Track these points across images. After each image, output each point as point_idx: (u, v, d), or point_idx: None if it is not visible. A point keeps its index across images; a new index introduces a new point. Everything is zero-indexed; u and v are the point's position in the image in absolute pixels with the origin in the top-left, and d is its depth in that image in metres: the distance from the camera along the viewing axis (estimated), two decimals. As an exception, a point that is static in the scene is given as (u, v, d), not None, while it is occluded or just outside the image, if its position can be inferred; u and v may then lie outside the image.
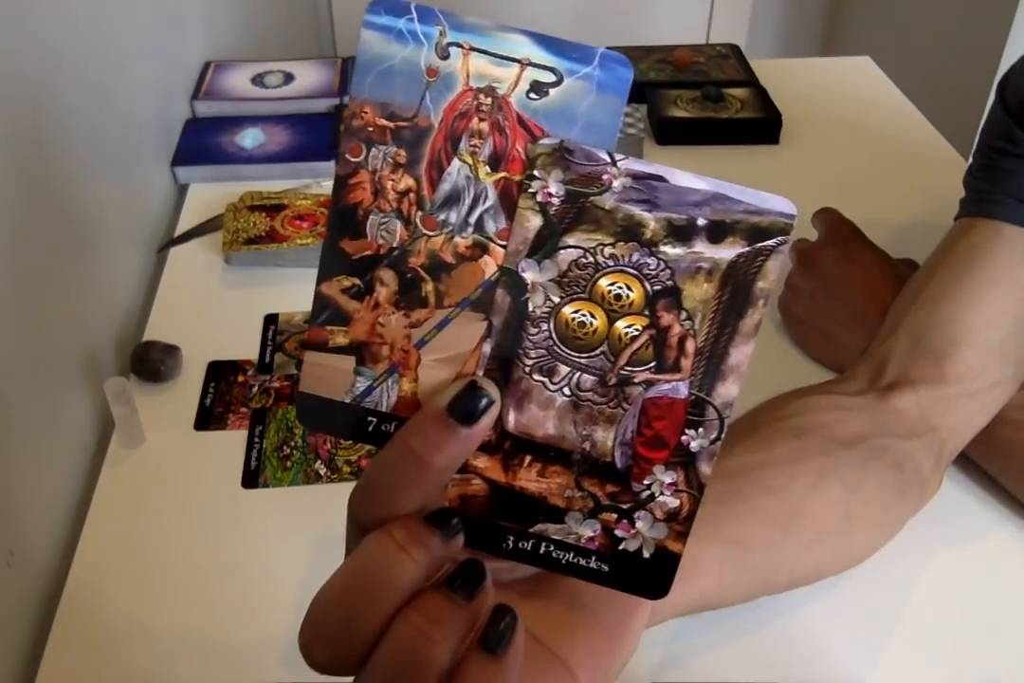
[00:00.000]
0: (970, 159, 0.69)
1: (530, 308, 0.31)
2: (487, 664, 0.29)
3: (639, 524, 0.32)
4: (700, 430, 0.31)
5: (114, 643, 0.60)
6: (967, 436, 0.63)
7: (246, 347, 0.82)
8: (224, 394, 0.78)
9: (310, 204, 0.95)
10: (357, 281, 0.32)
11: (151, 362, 0.78)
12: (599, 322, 0.31)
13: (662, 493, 0.32)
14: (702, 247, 0.30)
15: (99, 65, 0.85)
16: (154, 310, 0.86)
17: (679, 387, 0.31)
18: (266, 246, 0.90)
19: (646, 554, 0.32)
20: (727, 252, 0.30)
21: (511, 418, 0.32)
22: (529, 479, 0.32)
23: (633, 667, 0.58)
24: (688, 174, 0.30)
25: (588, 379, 0.31)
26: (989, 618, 0.61)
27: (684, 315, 0.31)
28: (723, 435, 0.31)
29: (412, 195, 0.31)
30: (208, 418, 0.76)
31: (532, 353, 0.31)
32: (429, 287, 0.32)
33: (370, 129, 0.31)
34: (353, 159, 0.31)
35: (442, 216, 0.31)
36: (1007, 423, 0.64)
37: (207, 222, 0.96)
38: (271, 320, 0.85)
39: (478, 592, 0.30)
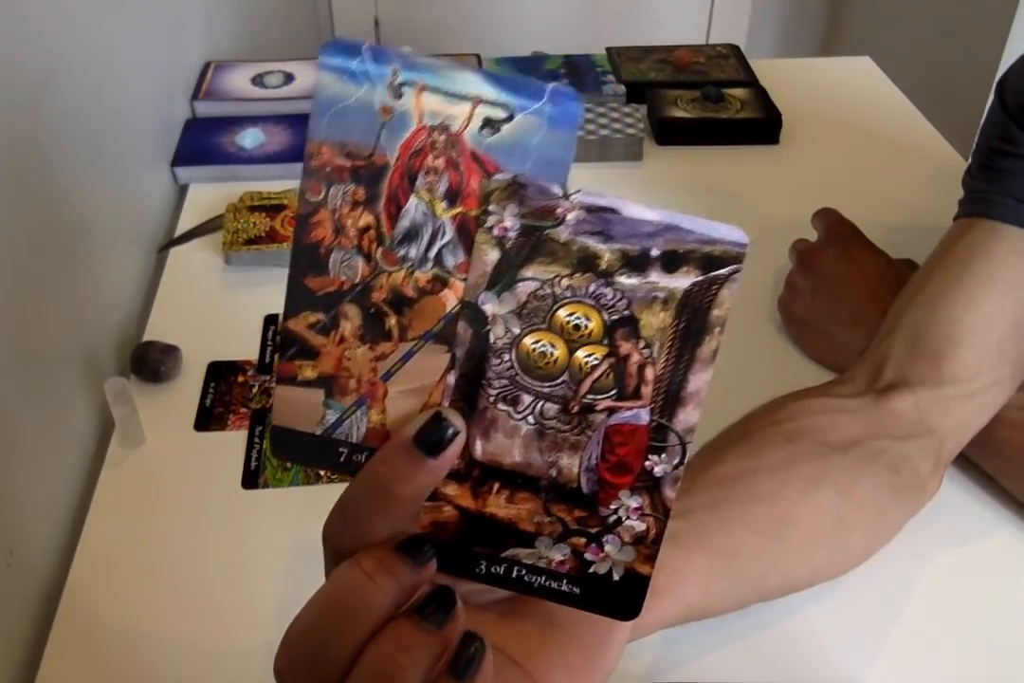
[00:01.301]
0: (969, 159, 0.69)
1: (491, 340, 0.32)
2: None
3: (607, 548, 0.33)
4: (663, 455, 0.32)
5: (114, 643, 0.60)
6: (966, 437, 0.63)
7: (246, 347, 0.82)
8: (224, 394, 0.78)
9: (310, 204, 0.95)
10: (322, 316, 0.33)
11: (151, 362, 0.78)
12: (559, 352, 0.32)
13: (628, 517, 0.33)
14: (657, 277, 0.31)
15: (99, 65, 0.85)
16: (154, 310, 0.86)
17: (640, 414, 0.32)
18: (266, 246, 0.90)
19: (615, 577, 0.33)
20: (682, 281, 0.31)
21: (478, 446, 0.32)
22: (499, 505, 0.33)
23: (630, 668, 0.58)
24: (640, 206, 0.31)
25: (551, 407, 0.32)
26: (989, 618, 0.61)
27: (642, 343, 0.31)
28: (685, 460, 0.32)
29: (372, 232, 0.32)
30: (208, 418, 0.76)
31: (496, 383, 0.32)
32: (392, 321, 0.32)
33: (328, 169, 0.31)
34: (313, 199, 0.32)
35: (402, 252, 0.32)
36: (1006, 423, 0.64)
37: (207, 222, 0.96)
38: (271, 320, 0.85)
39: (448, 620, 0.31)
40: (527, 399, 0.32)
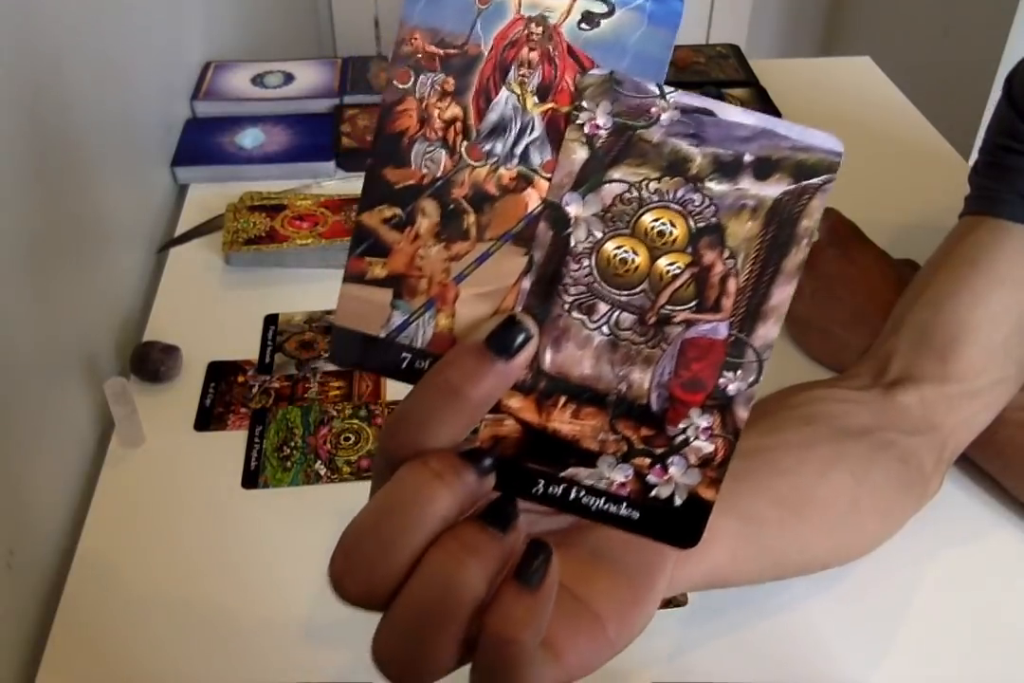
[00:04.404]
0: (972, 158, 0.69)
1: (572, 243, 0.30)
2: (522, 597, 0.29)
3: (672, 469, 0.32)
4: (738, 372, 0.31)
5: (114, 644, 0.60)
6: (969, 436, 0.62)
7: (246, 347, 0.82)
8: (224, 394, 0.78)
9: (310, 204, 0.95)
10: (399, 211, 0.31)
11: (151, 362, 0.77)
12: (641, 259, 0.30)
13: (697, 437, 0.31)
14: (748, 184, 0.30)
15: (99, 65, 0.85)
16: (154, 310, 0.86)
17: (719, 327, 0.31)
18: (266, 246, 0.90)
19: (678, 501, 0.32)
20: (772, 189, 0.30)
21: (547, 357, 0.31)
22: (563, 421, 0.32)
23: (632, 667, 0.58)
24: (737, 109, 0.30)
25: (627, 317, 0.31)
26: (989, 618, 0.61)
27: (727, 253, 0.30)
28: (761, 378, 0.31)
29: (458, 124, 0.31)
30: (208, 418, 0.76)
31: (572, 290, 0.31)
32: (471, 219, 0.31)
33: (419, 56, 0.30)
34: (401, 86, 0.31)
35: (487, 146, 0.31)
36: (1008, 423, 0.64)
37: (207, 222, 0.96)
38: (271, 320, 0.85)
39: (512, 526, 0.30)
40: (603, 308, 0.31)
